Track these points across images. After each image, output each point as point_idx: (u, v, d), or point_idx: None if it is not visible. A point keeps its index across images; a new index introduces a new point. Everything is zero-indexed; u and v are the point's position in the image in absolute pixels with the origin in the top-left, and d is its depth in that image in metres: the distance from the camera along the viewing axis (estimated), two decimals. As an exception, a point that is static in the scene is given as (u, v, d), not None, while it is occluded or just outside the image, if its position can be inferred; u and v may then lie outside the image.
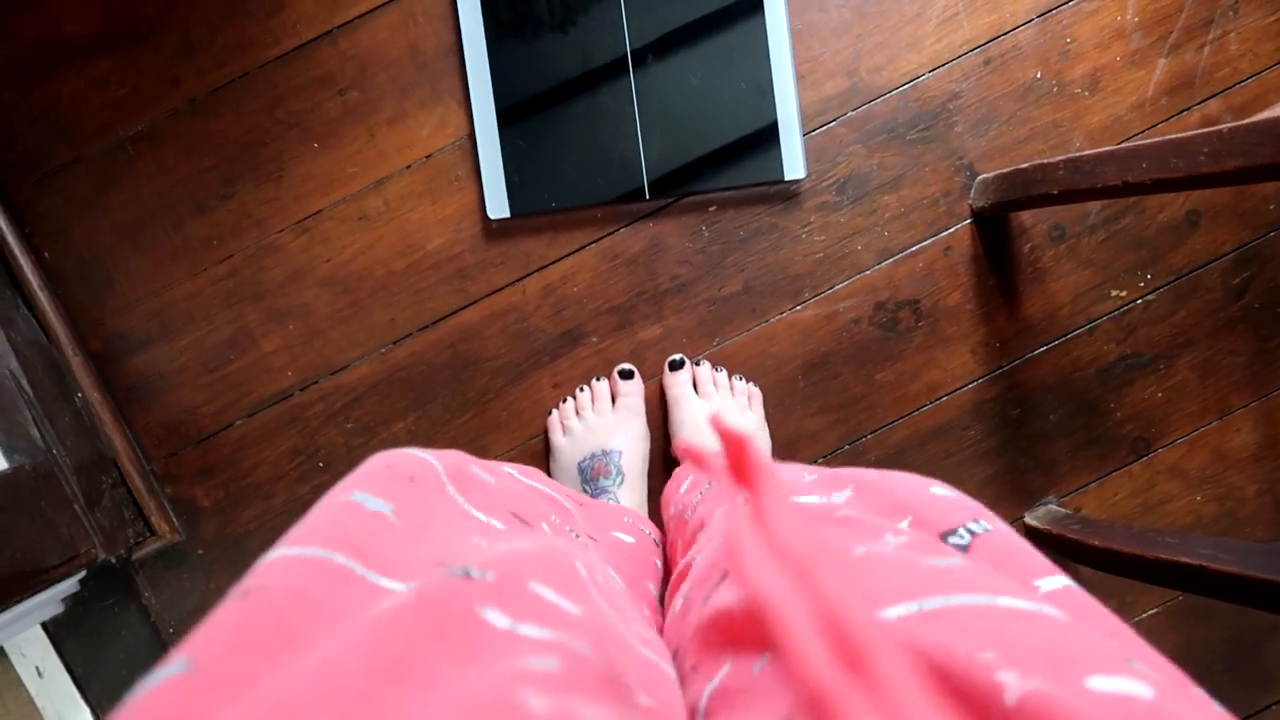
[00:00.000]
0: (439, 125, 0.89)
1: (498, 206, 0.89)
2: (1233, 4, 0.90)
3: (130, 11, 0.88)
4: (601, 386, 0.89)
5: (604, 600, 0.35)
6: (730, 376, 0.88)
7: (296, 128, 0.89)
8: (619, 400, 0.88)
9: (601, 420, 0.87)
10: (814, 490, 0.45)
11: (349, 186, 0.90)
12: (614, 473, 0.83)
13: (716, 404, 0.85)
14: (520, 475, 0.52)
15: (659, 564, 0.64)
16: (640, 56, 0.88)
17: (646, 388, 0.91)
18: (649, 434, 0.89)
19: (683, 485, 0.69)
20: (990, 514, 0.39)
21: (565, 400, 0.89)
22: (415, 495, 0.37)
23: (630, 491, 0.84)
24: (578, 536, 0.49)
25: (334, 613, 0.27)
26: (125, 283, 0.90)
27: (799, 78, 0.90)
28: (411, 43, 0.89)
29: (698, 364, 0.88)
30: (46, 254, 0.90)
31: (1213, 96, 0.91)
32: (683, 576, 0.48)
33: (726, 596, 0.36)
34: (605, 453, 0.84)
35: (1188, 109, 0.91)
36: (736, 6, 0.87)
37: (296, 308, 0.91)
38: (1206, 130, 0.63)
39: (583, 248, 0.91)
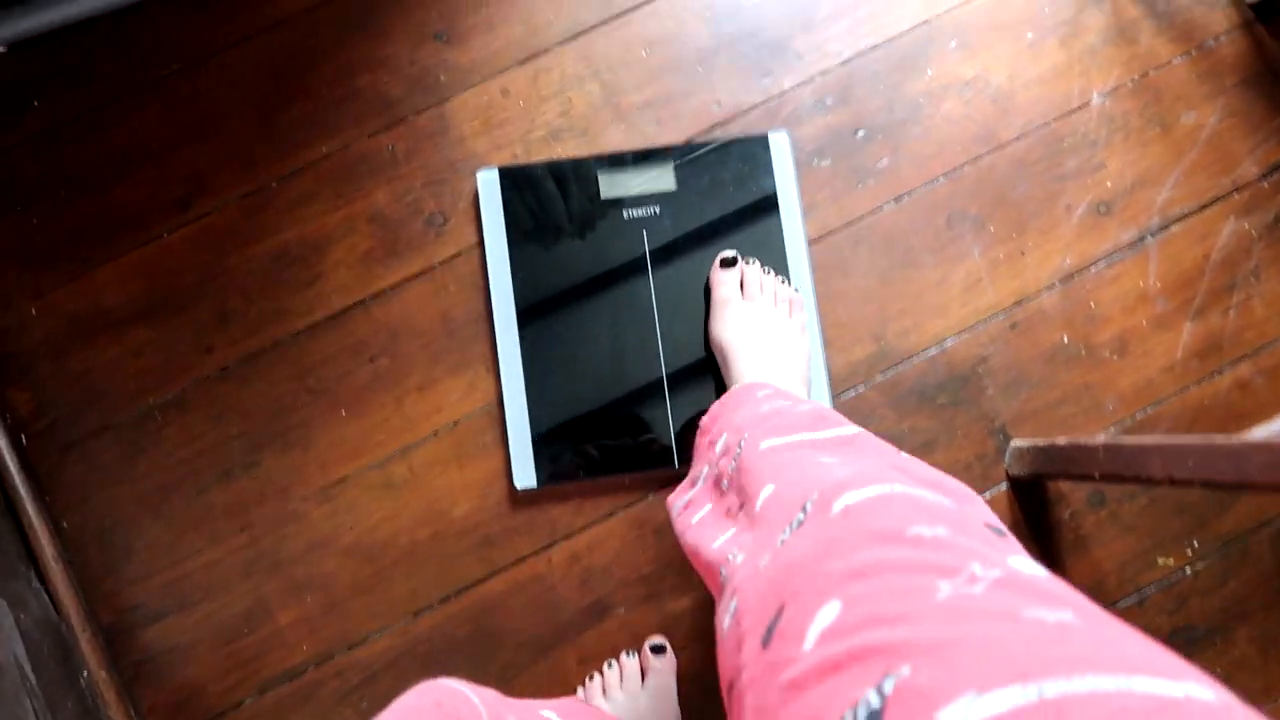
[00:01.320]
0: (467, 390, 0.89)
1: (525, 477, 0.87)
2: (1253, 269, 0.92)
3: (171, 282, 0.90)
4: (631, 664, 0.85)
5: None
6: (777, 279, 0.87)
7: (326, 395, 0.89)
8: (649, 678, 0.84)
9: (632, 701, 0.82)
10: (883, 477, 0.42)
11: (375, 454, 0.89)
12: None
13: (761, 305, 0.84)
14: (557, 715, 0.51)
15: None
16: (669, 342, 0.89)
17: (679, 662, 0.87)
18: (680, 715, 0.84)
19: (715, 446, 0.66)
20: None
21: (592, 678, 0.85)
22: None
23: None
24: None
25: None
26: (144, 553, 0.88)
27: (826, 343, 0.90)
28: (443, 310, 0.90)
29: (749, 262, 0.87)
30: (65, 524, 0.89)
31: (1243, 359, 0.91)
32: (718, 561, 0.49)
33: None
34: None
35: (1219, 371, 0.91)
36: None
37: (316, 578, 0.88)
38: (1258, 441, 0.62)
39: (610, 515, 0.89)
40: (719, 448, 0.66)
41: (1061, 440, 0.81)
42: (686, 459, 0.87)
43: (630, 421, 0.88)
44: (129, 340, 0.90)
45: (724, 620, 0.41)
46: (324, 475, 0.89)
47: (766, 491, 0.49)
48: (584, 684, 0.85)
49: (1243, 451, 0.63)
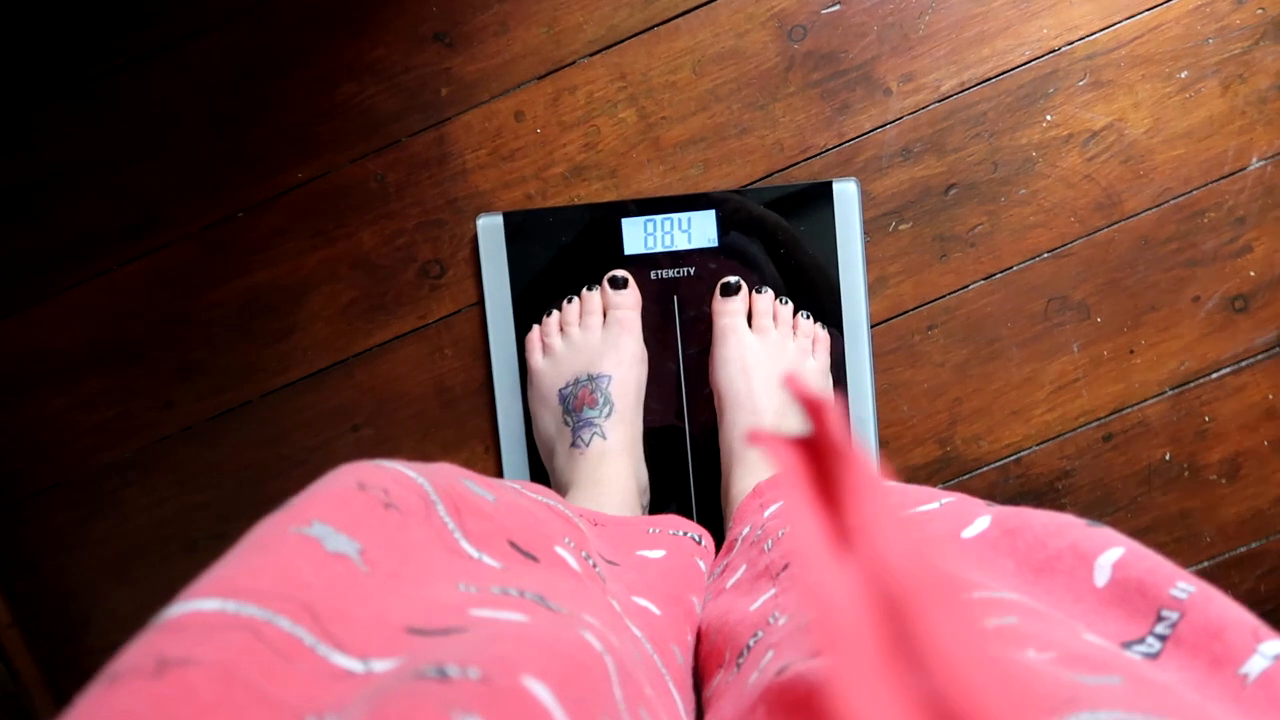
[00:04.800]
0: None
1: (523, 581, 0.77)
2: None
3: (124, 326, 0.78)
4: (592, 297, 0.75)
5: (622, 685, 0.29)
6: (797, 313, 0.75)
7: (303, 466, 0.79)
8: (610, 314, 0.74)
9: (589, 338, 0.74)
10: (939, 519, 0.39)
11: (357, 537, 0.79)
12: (601, 402, 0.71)
13: (773, 342, 0.73)
14: (525, 489, 0.45)
15: (703, 565, 0.57)
16: (698, 425, 0.76)
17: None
18: (645, 356, 0.76)
19: (768, 509, 0.58)
20: (1185, 572, 0.31)
21: (549, 313, 0.76)
22: (391, 529, 0.30)
23: (620, 425, 0.71)
24: (595, 565, 0.42)
25: (273, 708, 0.22)
26: (103, 621, 0.81)
27: (881, 443, 0.77)
28: (437, 377, 0.78)
29: (758, 291, 0.74)
30: (18, 586, 0.81)
31: (1378, 496, 0.77)
32: (753, 625, 0.42)
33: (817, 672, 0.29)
34: (592, 378, 0.72)
35: (1345, 507, 0.77)
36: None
37: (291, 666, 0.80)
38: None
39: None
40: (770, 511, 0.57)
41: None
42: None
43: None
44: (80, 390, 0.78)
45: (750, 676, 0.36)
46: (300, 556, 0.79)
47: None
48: (540, 321, 0.77)
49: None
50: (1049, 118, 0.75)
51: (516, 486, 0.44)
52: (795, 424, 0.69)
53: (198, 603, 0.23)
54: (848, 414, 0.76)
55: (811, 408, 0.22)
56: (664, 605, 0.46)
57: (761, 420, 0.70)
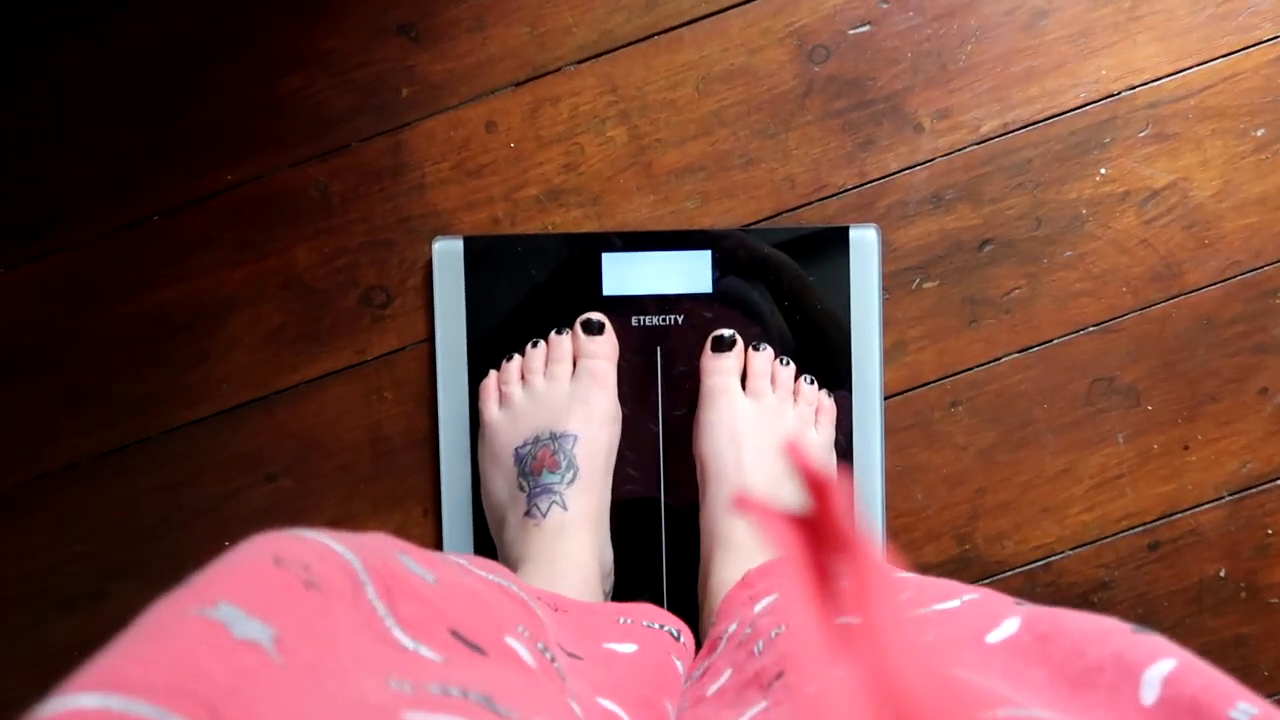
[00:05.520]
0: (397, 536, 0.67)
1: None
2: None
3: (7, 338, 0.66)
4: (561, 343, 0.65)
5: None
6: (799, 377, 0.65)
7: (206, 517, 0.67)
8: (581, 363, 0.65)
9: (555, 389, 0.64)
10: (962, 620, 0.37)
11: (263, 608, 0.67)
12: (564, 465, 0.62)
13: (770, 408, 0.64)
14: (472, 566, 0.41)
15: (680, 666, 0.52)
16: (676, 493, 0.66)
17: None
18: (619, 415, 0.65)
19: (759, 602, 0.52)
20: (1247, 691, 0.28)
21: (510, 358, 0.66)
22: (311, 612, 0.27)
23: (585, 495, 0.62)
24: (553, 660, 0.38)
25: None
26: (-46, 688, 0.68)
27: (890, 535, 0.66)
28: (373, 424, 0.67)
29: (756, 348, 0.65)
30: None
31: None
32: None
33: None
34: (555, 436, 0.63)
35: None
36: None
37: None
38: None
39: (566, 727, 0.67)
40: (762, 605, 0.51)
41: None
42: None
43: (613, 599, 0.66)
44: (-52, 411, 0.67)
45: None
46: (193, 626, 0.67)
47: None
48: (499, 367, 0.66)
49: None
50: (1103, 171, 0.65)
51: (462, 562, 0.40)
52: (792, 500, 0.59)
53: (78, 698, 0.21)
54: (854, 493, 0.65)
55: (814, 482, 0.21)
56: (633, 710, 0.43)
57: (746, 490, 0.60)
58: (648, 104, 0.65)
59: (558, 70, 0.65)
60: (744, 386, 0.64)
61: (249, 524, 0.66)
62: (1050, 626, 0.34)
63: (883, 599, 0.18)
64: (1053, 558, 0.67)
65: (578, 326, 0.65)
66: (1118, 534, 0.66)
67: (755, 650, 0.47)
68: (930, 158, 0.65)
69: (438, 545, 0.67)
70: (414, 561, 0.35)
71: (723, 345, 0.65)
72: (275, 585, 0.27)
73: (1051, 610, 0.35)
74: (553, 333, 0.65)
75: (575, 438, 0.63)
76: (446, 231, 0.65)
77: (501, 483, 0.64)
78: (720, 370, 0.64)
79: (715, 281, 0.65)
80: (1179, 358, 0.65)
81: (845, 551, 0.19)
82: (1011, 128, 0.65)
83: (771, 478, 0.62)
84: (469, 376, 0.66)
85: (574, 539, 0.61)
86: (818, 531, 0.20)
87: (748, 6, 0.64)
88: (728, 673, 0.48)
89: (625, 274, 0.65)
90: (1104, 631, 0.33)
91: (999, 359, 0.66)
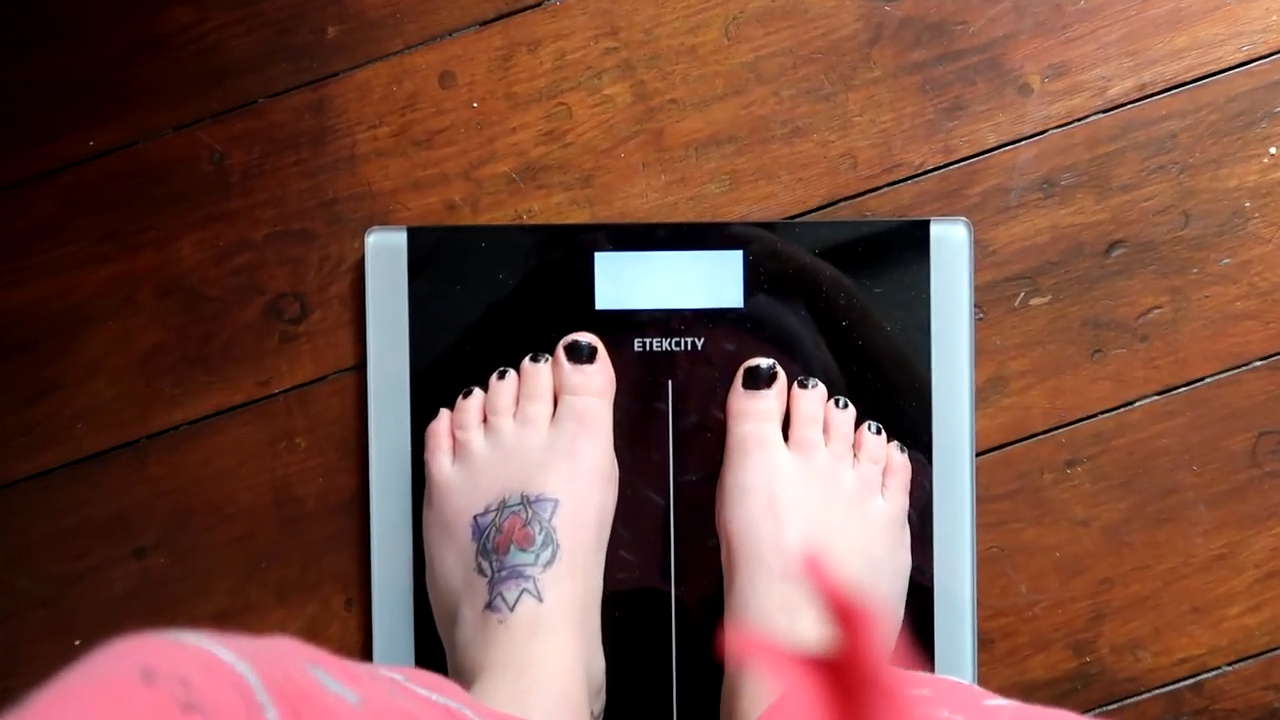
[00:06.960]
0: (308, 637, 0.53)
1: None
2: None
3: None
4: (538, 373, 0.55)
5: None
6: (861, 424, 0.55)
7: (51, 607, 0.55)
8: (564, 401, 0.54)
9: (529, 437, 0.55)
10: None
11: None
12: (539, 542, 0.53)
13: (821, 467, 0.54)
14: (409, 682, 0.36)
15: None
16: (689, 569, 0.54)
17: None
18: (616, 474, 0.55)
19: None
20: None
21: (468, 393, 0.55)
22: None
23: (567, 581, 0.53)
24: None
25: None
26: None
27: (982, 643, 0.53)
28: (279, 481, 0.54)
29: (803, 384, 0.54)
30: None
31: None
32: None
33: None
34: (528, 501, 0.54)
35: None
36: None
37: None
38: None
39: None
40: None
41: None
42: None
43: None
44: None
45: None
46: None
47: None
48: (452, 406, 0.57)
49: None
50: (1273, 151, 0.52)
51: (397, 677, 0.38)
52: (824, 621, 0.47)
53: None
54: (895, 616, 0.54)
55: (841, 610, 0.19)
56: None
57: (791, 594, 0.50)
58: (658, 51, 0.52)
59: (539, 5, 0.52)
60: (786, 437, 0.53)
61: (109, 617, 0.55)
62: None
63: None
64: (1205, 674, 0.53)
65: (560, 352, 0.53)
66: (1295, 645, 0.52)
67: None
68: (1041, 130, 0.52)
69: (365, 650, 0.54)
70: (330, 676, 0.32)
71: (759, 380, 0.53)
72: (144, 707, 0.25)
73: None
74: (526, 360, 0.53)
75: (555, 503, 0.53)
76: (384, 220, 0.53)
77: (454, 563, 0.53)
78: (755, 414, 0.53)
79: (747, 294, 0.53)
80: (1378, 404, 0.51)
81: (878, 699, 0.18)
82: (1150, 91, 0.52)
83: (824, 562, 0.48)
84: (411, 418, 0.53)
85: (551, 641, 0.51)
86: (845, 673, 0.18)
87: (796, -77, 0.51)
88: None
89: (626, 282, 0.53)
90: None
91: (1132, 403, 0.53)
